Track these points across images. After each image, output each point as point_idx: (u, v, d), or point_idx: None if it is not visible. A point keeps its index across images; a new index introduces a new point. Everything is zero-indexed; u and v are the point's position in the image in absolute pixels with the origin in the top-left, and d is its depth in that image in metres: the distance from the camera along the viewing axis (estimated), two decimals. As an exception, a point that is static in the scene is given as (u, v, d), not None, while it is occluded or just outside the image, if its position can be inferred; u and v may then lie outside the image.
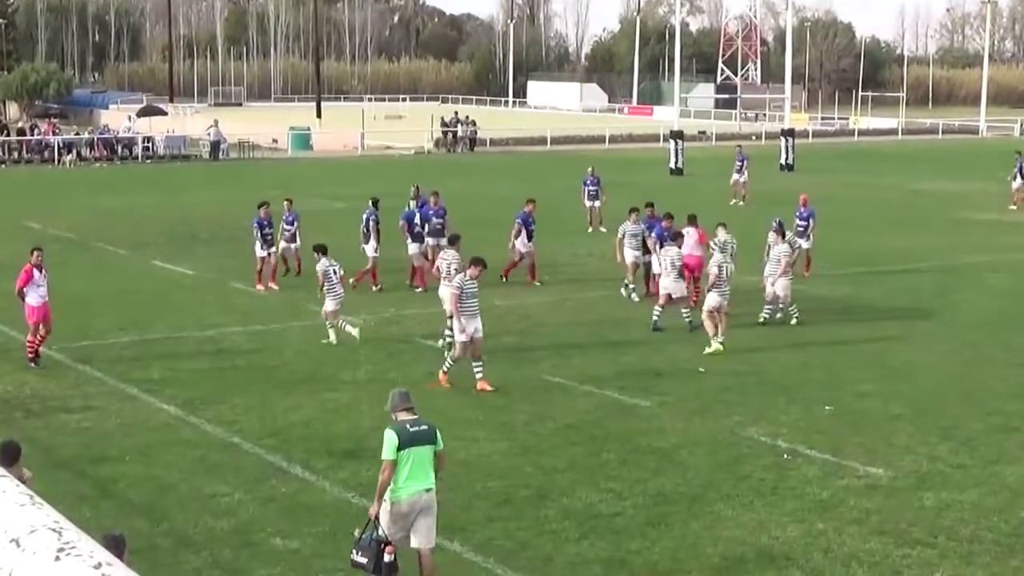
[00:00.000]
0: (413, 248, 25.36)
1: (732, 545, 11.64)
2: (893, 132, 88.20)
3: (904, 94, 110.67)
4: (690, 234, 23.23)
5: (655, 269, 23.67)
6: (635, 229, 24.08)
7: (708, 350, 19.39)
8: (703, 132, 77.03)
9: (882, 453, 14.45)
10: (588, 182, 35.04)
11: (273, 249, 25.16)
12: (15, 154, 56.54)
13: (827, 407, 16.40)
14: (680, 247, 21.67)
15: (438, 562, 10.71)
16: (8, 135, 59.02)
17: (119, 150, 58.50)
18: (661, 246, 23.13)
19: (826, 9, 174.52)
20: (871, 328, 21.79)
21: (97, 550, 2.80)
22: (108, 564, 2.73)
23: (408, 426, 10.18)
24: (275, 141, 65.98)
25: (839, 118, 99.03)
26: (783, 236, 22.33)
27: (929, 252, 30.89)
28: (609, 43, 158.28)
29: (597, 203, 34.47)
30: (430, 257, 25.82)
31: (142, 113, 68.16)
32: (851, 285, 26.16)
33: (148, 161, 57.66)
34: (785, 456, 14.31)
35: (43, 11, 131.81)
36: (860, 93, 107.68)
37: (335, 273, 20.15)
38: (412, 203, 26.52)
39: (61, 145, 56.81)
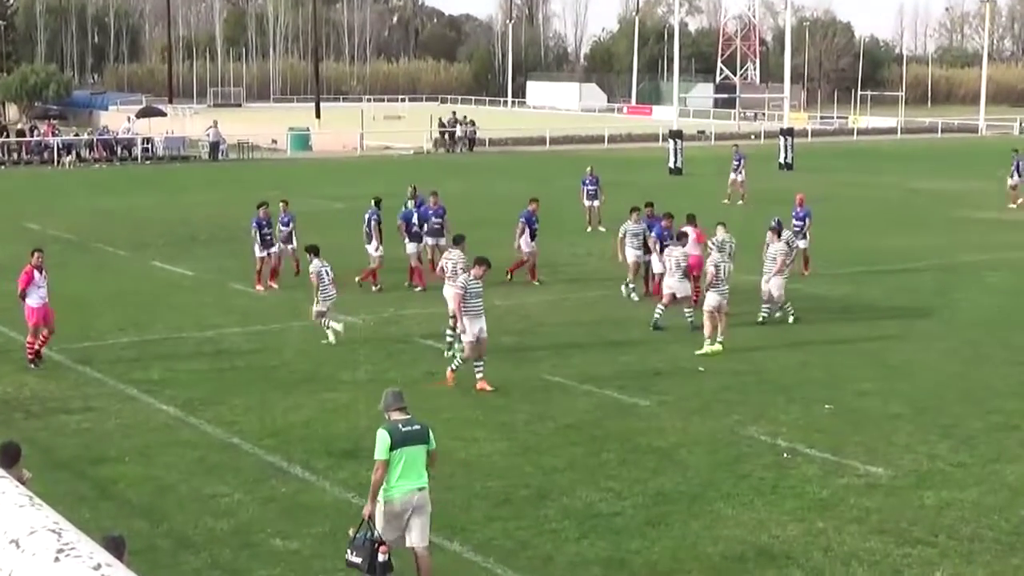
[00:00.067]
0: (411, 248, 25.38)
1: (732, 544, 11.64)
2: (892, 131, 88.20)
3: (903, 93, 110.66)
4: (688, 233, 23.24)
5: (655, 269, 23.69)
6: (636, 228, 24.08)
7: (699, 351, 19.34)
8: (702, 132, 77.02)
9: (882, 452, 14.45)
10: (587, 182, 35.04)
11: (273, 250, 25.18)
12: (15, 155, 56.56)
13: (827, 406, 16.40)
14: (685, 247, 21.67)
15: (438, 562, 10.71)
16: (8, 136, 59.01)
17: (118, 151, 58.50)
18: (661, 245, 23.16)
19: (825, 8, 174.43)
20: (870, 327, 21.79)
21: (97, 551, 2.80)
22: (108, 565, 2.73)
23: (400, 426, 10.24)
24: (274, 142, 65.98)
25: (838, 117, 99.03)
26: (779, 235, 22.35)
27: (928, 251, 30.89)
28: (608, 43, 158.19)
29: (596, 203, 34.47)
30: (430, 257, 25.89)
31: (141, 114, 68.15)
32: (850, 284, 26.16)
33: (147, 162, 57.67)
34: (785, 455, 14.31)
35: (42, 13, 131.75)
36: (859, 92, 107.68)
37: (327, 274, 20.19)
38: (410, 203, 26.51)
39: (60, 146, 56.81)
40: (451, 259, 20.03)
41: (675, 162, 55.28)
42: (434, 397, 16.67)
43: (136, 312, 22.62)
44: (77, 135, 61.50)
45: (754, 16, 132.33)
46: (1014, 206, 41.12)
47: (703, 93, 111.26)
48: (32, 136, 58.97)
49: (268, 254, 25.09)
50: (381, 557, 10.03)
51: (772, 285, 21.73)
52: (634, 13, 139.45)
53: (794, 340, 20.59)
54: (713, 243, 21.55)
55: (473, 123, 69.06)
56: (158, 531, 11.89)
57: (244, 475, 13.54)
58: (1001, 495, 13.03)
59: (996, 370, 18.64)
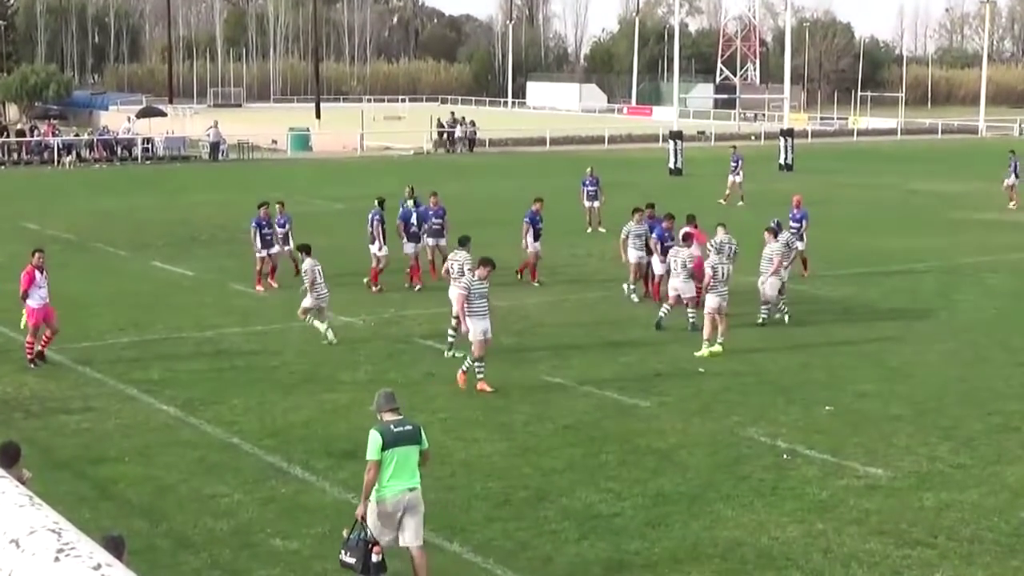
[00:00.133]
0: (408, 248, 25.37)
1: (732, 545, 11.64)
2: (892, 132, 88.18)
3: (903, 94, 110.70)
4: (693, 234, 23.21)
5: (656, 270, 23.67)
6: (639, 229, 24.04)
7: (698, 353, 19.33)
8: (702, 132, 77.01)
9: (882, 453, 14.45)
10: (587, 182, 35.02)
11: (273, 250, 25.19)
12: (15, 155, 56.53)
13: (827, 407, 16.40)
14: (691, 247, 21.67)
15: (438, 563, 10.72)
16: (8, 136, 59.00)
17: (118, 151, 58.47)
18: (662, 247, 23.16)
19: (825, 9, 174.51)
20: (870, 328, 21.79)
21: (96, 551, 2.80)
22: (107, 565, 2.72)
23: (392, 426, 10.30)
24: (274, 142, 65.97)
25: (838, 118, 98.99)
26: (775, 236, 22.36)
27: (928, 252, 30.88)
28: (608, 43, 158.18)
29: (596, 203, 34.45)
30: (430, 258, 25.89)
31: (141, 114, 68.14)
32: (850, 285, 26.16)
33: (147, 162, 57.65)
34: (785, 456, 14.31)
35: (43, 13, 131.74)
36: (859, 93, 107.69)
37: (319, 273, 20.24)
38: (409, 202, 26.49)
39: (61, 146, 56.79)
40: (457, 260, 20.03)
41: (675, 163, 55.28)
42: (434, 398, 16.69)
43: (136, 312, 22.61)
44: (77, 135, 61.49)
45: (754, 17, 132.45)
46: (1013, 205, 41.17)
47: (703, 94, 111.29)
48: (32, 136, 58.96)
49: (268, 254, 25.09)
50: (375, 558, 10.08)
51: (767, 286, 21.74)
52: (634, 14, 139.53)
53: (794, 341, 20.59)
54: (712, 245, 21.55)
55: (473, 123, 69.05)
56: (158, 531, 11.89)
57: (244, 475, 13.54)
58: (1001, 497, 13.03)
59: (996, 372, 18.64)
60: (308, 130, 68.79)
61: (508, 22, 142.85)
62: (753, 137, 76.33)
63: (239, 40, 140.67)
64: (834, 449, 14.55)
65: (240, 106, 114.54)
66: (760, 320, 21.72)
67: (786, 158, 57.72)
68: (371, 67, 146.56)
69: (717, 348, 19.44)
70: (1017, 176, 42.08)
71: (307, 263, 20.30)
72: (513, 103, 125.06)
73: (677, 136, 55.84)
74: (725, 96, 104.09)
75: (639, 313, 22.59)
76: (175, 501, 12.72)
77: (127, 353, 19.47)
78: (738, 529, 12.05)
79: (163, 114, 72.41)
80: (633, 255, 23.97)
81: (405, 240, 25.42)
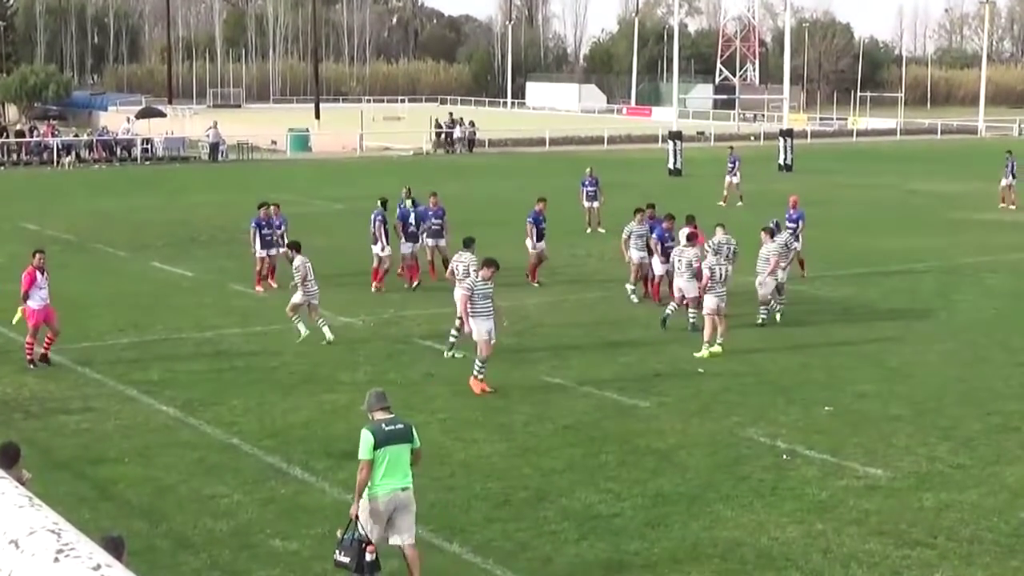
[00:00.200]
0: (406, 248, 25.37)
1: (731, 546, 11.65)
2: (892, 132, 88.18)
3: (903, 94, 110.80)
4: (697, 235, 23.20)
5: (656, 271, 23.68)
6: (640, 230, 24.03)
7: (698, 354, 19.33)
8: (702, 133, 77.01)
9: (881, 453, 14.45)
10: (586, 183, 35.02)
11: (273, 251, 25.17)
12: (14, 156, 56.51)
13: (826, 408, 16.40)
14: (696, 248, 21.67)
15: (438, 563, 10.72)
16: (7, 137, 58.99)
17: (118, 152, 58.46)
18: (662, 247, 23.17)
19: (824, 10, 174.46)
20: (870, 329, 21.79)
21: (96, 551, 2.80)
22: (107, 566, 2.72)
23: (384, 425, 10.34)
24: (274, 143, 65.97)
25: (838, 118, 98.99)
26: (772, 236, 22.37)
27: (928, 252, 30.88)
28: (607, 44, 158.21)
29: (596, 204, 34.44)
30: (429, 258, 25.88)
31: (141, 115, 68.12)
32: (850, 286, 26.16)
33: (147, 163, 57.64)
34: (784, 457, 14.31)
35: (42, 13, 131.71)
36: (859, 93, 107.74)
37: (310, 270, 20.27)
38: (408, 202, 26.46)
39: (60, 147, 56.78)
40: (462, 261, 20.03)
41: (675, 163, 55.28)
42: (433, 398, 16.70)
43: (136, 313, 22.60)
44: (77, 136, 61.48)
45: (753, 17, 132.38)
46: (1013, 207, 41.17)
47: (703, 94, 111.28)
48: (32, 137, 58.94)
49: (268, 255, 25.09)
50: (368, 557, 10.13)
51: (762, 286, 21.76)
52: (634, 14, 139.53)
53: (794, 342, 20.59)
54: (710, 245, 21.55)
55: (473, 124, 69.04)
56: (157, 531, 11.90)
57: (243, 476, 13.54)
58: (1001, 497, 13.03)
59: (996, 372, 18.64)
60: (307, 130, 68.78)
61: (507, 22, 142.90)
62: (752, 137, 76.32)
63: (238, 40, 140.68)
64: (834, 449, 14.55)
65: (239, 107, 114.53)
66: (760, 321, 21.72)
67: (785, 158, 57.72)
68: (370, 67, 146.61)
69: (717, 349, 19.44)
70: (1014, 176, 42.07)
71: (298, 260, 20.34)
72: (512, 103, 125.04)
73: (676, 136, 55.84)
74: (724, 96, 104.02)
75: (639, 313, 22.58)
76: (175, 502, 12.72)
77: (127, 354, 19.47)
78: (738, 529, 12.05)
79: (162, 115, 72.38)
80: (635, 255, 23.96)
81: (403, 240, 25.42)
